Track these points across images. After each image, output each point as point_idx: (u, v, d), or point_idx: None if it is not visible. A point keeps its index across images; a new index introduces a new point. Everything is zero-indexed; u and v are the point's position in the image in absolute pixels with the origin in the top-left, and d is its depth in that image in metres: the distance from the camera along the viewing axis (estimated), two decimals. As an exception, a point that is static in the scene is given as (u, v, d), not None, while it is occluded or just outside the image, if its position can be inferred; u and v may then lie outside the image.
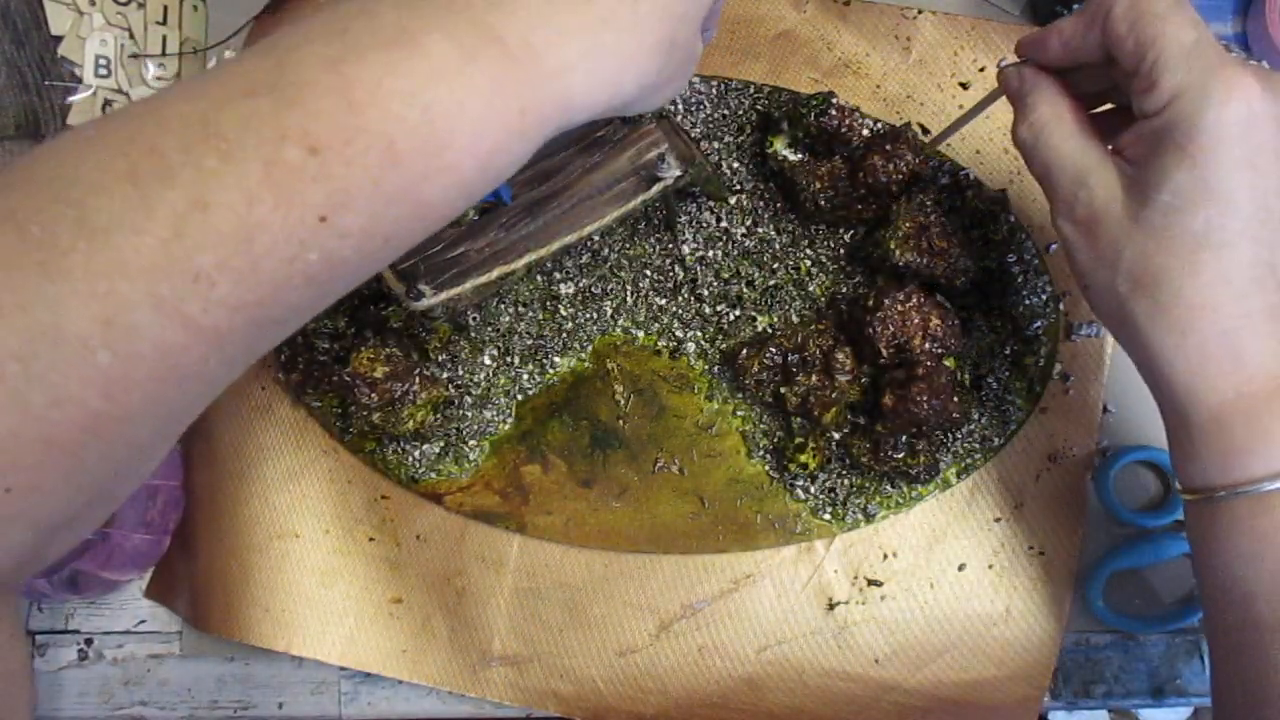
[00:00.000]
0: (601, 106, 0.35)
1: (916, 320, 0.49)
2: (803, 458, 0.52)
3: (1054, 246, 0.54)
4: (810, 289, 0.55)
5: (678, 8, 0.36)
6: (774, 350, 0.52)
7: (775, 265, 0.55)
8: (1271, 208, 0.36)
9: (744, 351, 0.53)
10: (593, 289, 0.55)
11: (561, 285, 0.55)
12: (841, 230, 0.55)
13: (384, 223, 0.30)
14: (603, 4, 0.34)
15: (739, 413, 0.54)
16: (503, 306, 0.55)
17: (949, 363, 0.51)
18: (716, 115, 0.56)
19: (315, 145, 0.28)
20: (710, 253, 0.55)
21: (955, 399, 0.49)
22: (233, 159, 0.27)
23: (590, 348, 0.55)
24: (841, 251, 0.55)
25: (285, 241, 0.28)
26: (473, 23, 0.31)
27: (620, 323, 0.55)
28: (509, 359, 0.55)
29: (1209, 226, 0.36)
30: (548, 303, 0.55)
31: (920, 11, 0.57)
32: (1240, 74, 0.35)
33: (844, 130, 0.52)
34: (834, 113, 0.52)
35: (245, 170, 0.27)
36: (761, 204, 0.56)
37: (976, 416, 0.53)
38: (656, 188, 0.48)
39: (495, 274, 0.47)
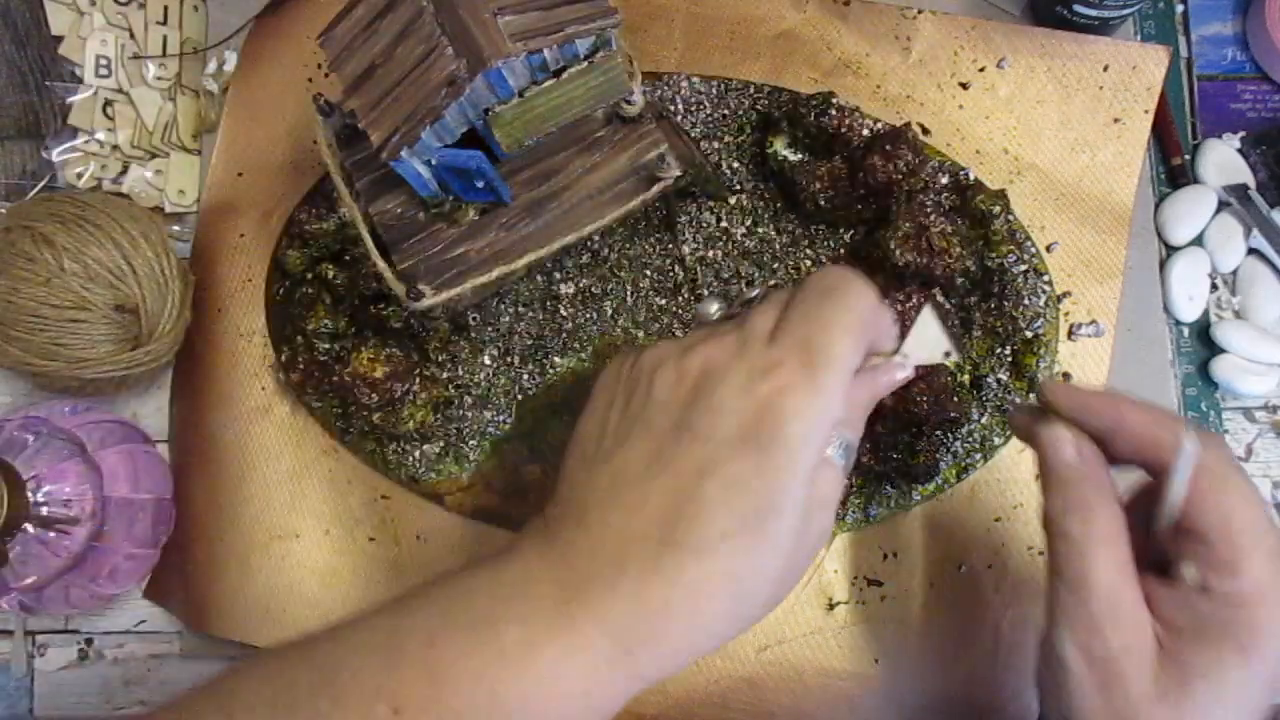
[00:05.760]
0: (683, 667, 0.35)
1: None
2: (803, 458, 0.52)
3: (1054, 246, 0.54)
4: (810, 289, 0.55)
5: (810, 530, 0.35)
6: (774, 350, 0.52)
7: (775, 265, 0.55)
8: None
9: (744, 351, 0.52)
10: (593, 289, 0.55)
11: (561, 285, 0.55)
12: (841, 230, 0.55)
13: None
14: (701, 584, 0.33)
15: (739, 413, 0.54)
16: (503, 306, 0.55)
17: (949, 362, 0.51)
18: (716, 115, 0.56)
19: (399, 707, 0.32)
20: (710, 253, 0.55)
21: (955, 399, 0.49)
22: (339, 705, 0.32)
23: (590, 348, 0.55)
24: (841, 251, 0.55)
25: None
26: (553, 612, 0.33)
27: (620, 323, 0.55)
28: (509, 359, 0.55)
29: None
30: (548, 303, 0.55)
31: (920, 11, 0.57)
32: None
33: (844, 130, 0.52)
34: (834, 113, 0.52)
35: (346, 717, 0.32)
36: (761, 204, 0.56)
37: (976, 416, 0.53)
38: (656, 188, 0.48)
39: (495, 274, 0.47)
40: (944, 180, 0.54)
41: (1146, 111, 0.56)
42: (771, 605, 0.36)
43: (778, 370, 0.34)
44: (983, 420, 0.53)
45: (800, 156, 0.54)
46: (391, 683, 0.33)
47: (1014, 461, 0.53)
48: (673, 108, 0.56)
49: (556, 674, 0.32)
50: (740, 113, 0.56)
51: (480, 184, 0.45)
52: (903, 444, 0.50)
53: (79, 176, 0.59)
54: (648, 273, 0.55)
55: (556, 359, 0.55)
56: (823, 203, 0.53)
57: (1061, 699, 0.36)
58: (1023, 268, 0.53)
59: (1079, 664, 0.35)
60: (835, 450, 0.36)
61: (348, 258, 0.53)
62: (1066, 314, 0.54)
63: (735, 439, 0.33)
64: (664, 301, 0.55)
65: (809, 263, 0.55)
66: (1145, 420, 0.37)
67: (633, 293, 0.55)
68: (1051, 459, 0.38)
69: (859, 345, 0.36)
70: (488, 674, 0.32)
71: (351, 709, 0.32)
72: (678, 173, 0.48)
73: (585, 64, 0.43)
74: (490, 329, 0.55)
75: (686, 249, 0.55)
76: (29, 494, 0.46)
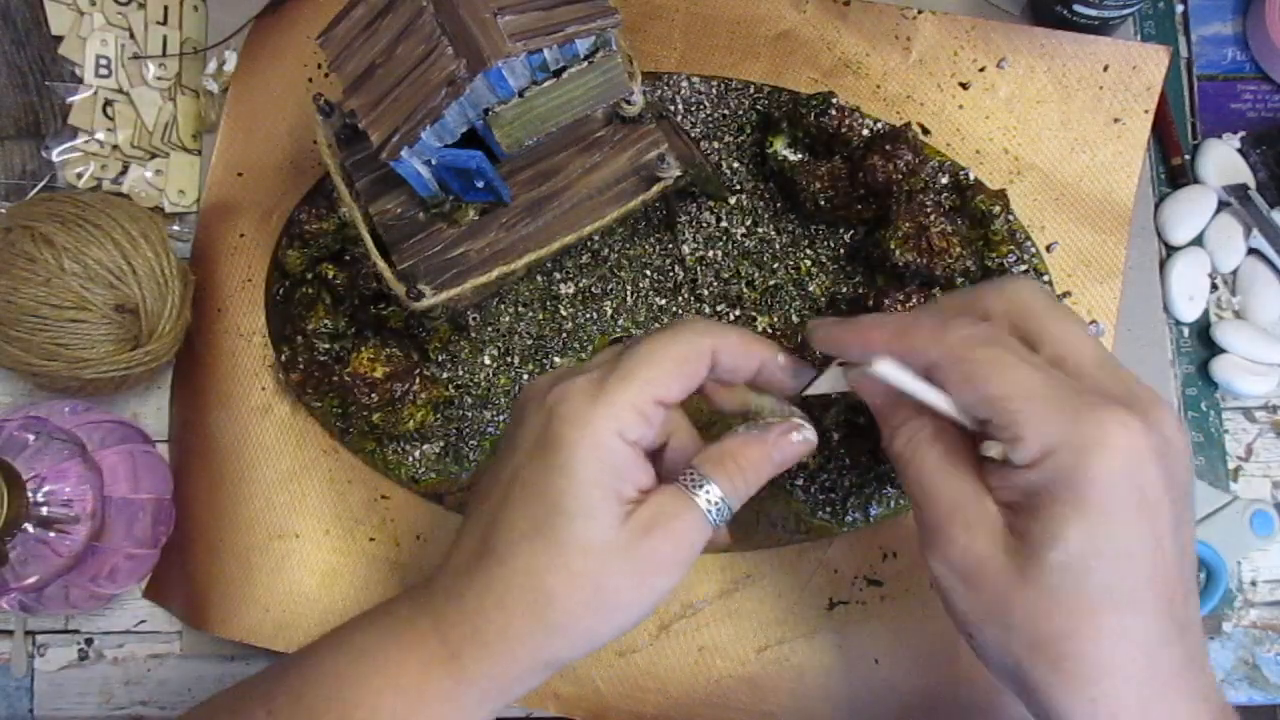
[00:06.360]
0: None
1: (916, 320, 0.49)
2: (803, 458, 0.52)
3: (1054, 246, 0.54)
4: (810, 289, 0.55)
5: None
6: (774, 350, 0.52)
7: (775, 265, 0.55)
8: (1166, 549, 0.33)
9: (744, 351, 0.52)
10: (593, 289, 0.55)
11: (561, 285, 0.55)
12: (841, 230, 0.55)
13: None
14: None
15: (739, 413, 0.54)
16: (503, 306, 0.55)
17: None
18: (716, 115, 0.56)
19: (271, 709, 0.37)
20: (710, 253, 0.55)
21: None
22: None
23: (590, 348, 0.55)
24: (841, 251, 0.55)
25: None
26: (405, 619, 0.37)
27: (620, 323, 0.55)
28: (509, 359, 0.55)
29: (1108, 586, 0.32)
30: (548, 303, 0.55)
31: (920, 11, 0.57)
32: (1113, 413, 0.32)
33: (844, 130, 0.52)
34: (834, 113, 0.52)
35: None
36: (761, 204, 0.56)
37: (976, 416, 0.53)
38: (656, 188, 0.48)
39: (495, 274, 0.47)
40: (944, 180, 0.54)
41: (1146, 111, 0.56)
42: (604, 615, 0.36)
43: (571, 384, 0.37)
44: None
45: (800, 156, 0.54)
46: (271, 689, 0.37)
47: (1014, 461, 0.53)
48: (673, 108, 0.56)
49: (398, 669, 0.36)
50: (740, 113, 0.56)
51: (480, 184, 0.45)
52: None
53: (79, 176, 0.59)
54: (648, 273, 0.55)
55: (556, 359, 0.55)
56: (823, 203, 0.53)
57: (956, 623, 0.36)
58: (1023, 268, 0.53)
59: (946, 574, 0.35)
60: (704, 499, 0.37)
61: (348, 258, 0.53)
62: (1066, 314, 0.54)
63: (532, 446, 0.36)
64: (664, 301, 0.55)
65: (809, 263, 0.55)
66: (888, 335, 0.36)
67: (633, 293, 0.55)
68: (861, 392, 0.39)
69: (669, 372, 0.37)
70: (339, 670, 0.37)
71: (240, 715, 0.38)
72: (678, 173, 0.48)
73: (585, 64, 0.43)
74: (490, 329, 0.55)
75: (686, 249, 0.55)
76: (29, 494, 0.46)
